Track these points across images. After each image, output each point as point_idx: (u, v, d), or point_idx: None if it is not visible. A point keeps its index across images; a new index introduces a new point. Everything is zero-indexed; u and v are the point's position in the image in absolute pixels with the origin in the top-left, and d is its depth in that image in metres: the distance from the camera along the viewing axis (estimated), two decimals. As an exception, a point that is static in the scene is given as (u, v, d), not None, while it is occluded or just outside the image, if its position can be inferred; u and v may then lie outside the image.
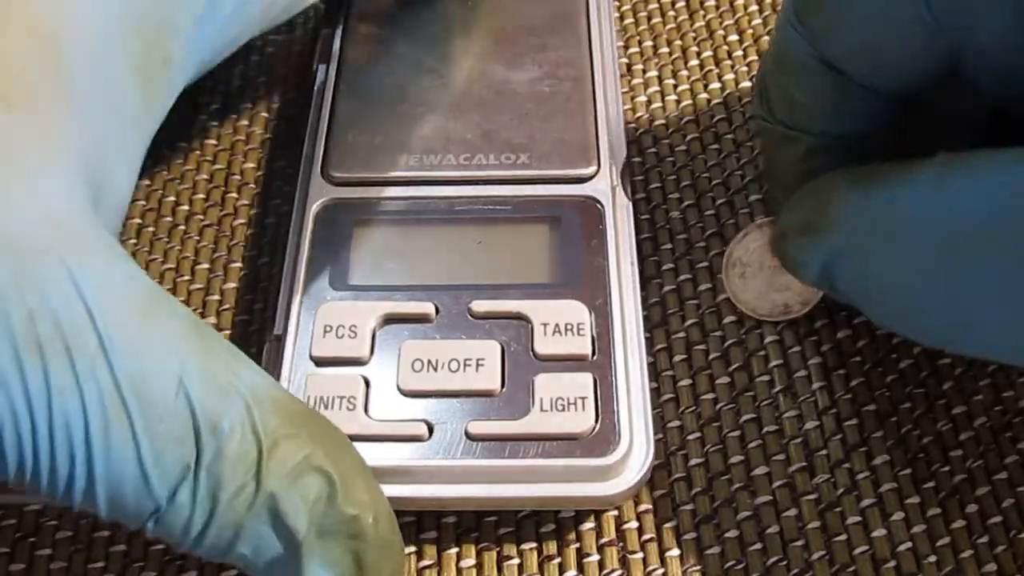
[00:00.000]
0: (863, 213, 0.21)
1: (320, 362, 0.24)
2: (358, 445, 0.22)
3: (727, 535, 0.24)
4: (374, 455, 0.22)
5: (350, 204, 0.27)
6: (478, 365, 0.24)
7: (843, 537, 0.24)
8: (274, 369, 0.24)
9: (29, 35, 0.19)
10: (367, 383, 0.24)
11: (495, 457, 0.23)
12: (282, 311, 0.25)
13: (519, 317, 0.25)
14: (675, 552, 0.24)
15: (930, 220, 0.20)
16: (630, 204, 0.27)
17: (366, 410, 0.24)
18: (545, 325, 0.25)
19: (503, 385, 0.24)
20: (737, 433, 0.26)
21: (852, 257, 0.22)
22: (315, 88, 0.30)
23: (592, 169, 0.27)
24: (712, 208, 0.29)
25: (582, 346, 0.24)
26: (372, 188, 0.27)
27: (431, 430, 0.23)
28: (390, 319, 0.25)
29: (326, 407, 0.23)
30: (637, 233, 0.27)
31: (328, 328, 0.25)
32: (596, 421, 0.23)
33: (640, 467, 0.23)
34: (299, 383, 0.24)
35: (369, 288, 0.25)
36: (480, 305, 0.25)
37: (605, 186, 0.27)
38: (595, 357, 0.24)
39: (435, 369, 0.24)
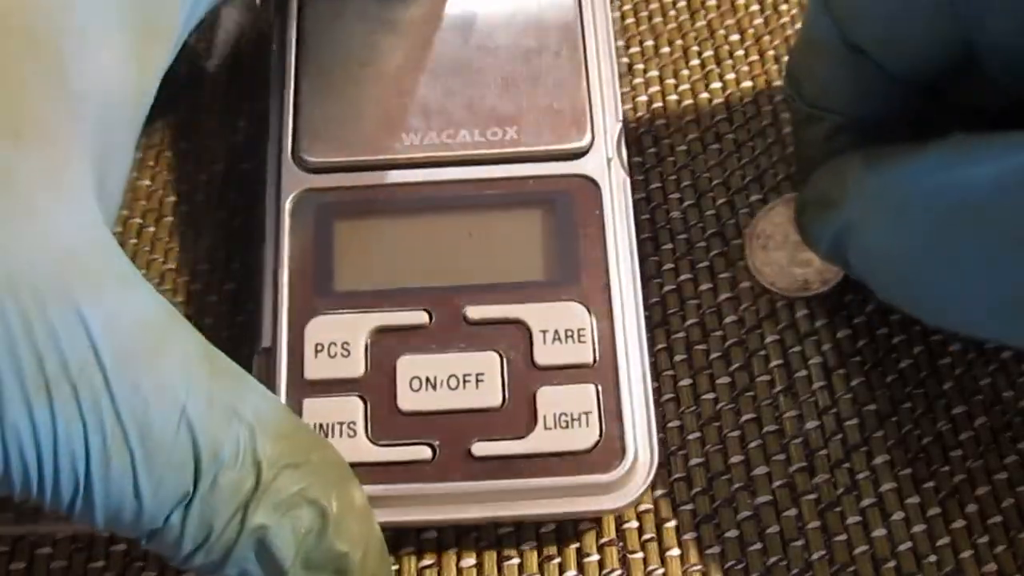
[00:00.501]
0: (872, 189, 0.22)
1: (315, 384, 0.23)
2: (361, 471, 0.21)
3: (727, 535, 0.24)
4: (377, 482, 0.22)
5: (327, 194, 0.25)
6: (478, 381, 0.23)
7: (843, 537, 0.24)
8: (267, 386, 0.22)
9: (33, 56, 0.19)
10: (366, 404, 0.23)
11: (499, 478, 0.23)
12: (268, 322, 0.24)
13: (517, 322, 0.24)
14: (675, 552, 0.24)
15: (932, 196, 0.21)
16: (628, 180, 0.26)
17: (367, 434, 0.23)
18: (544, 332, 0.24)
19: (504, 401, 0.23)
20: (737, 433, 0.26)
21: (860, 231, 0.23)
22: (272, 48, 0.27)
23: (586, 141, 0.26)
24: (712, 208, 0.29)
25: (583, 353, 0.24)
26: (350, 174, 0.25)
27: (434, 452, 0.23)
28: (383, 330, 0.24)
29: (327, 434, 0.23)
30: (637, 232, 0.26)
31: (320, 347, 0.24)
32: (600, 436, 0.23)
33: (645, 478, 0.23)
34: (296, 409, 0.23)
35: (358, 294, 0.24)
36: (476, 311, 0.24)
37: (600, 160, 0.26)
38: (597, 363, 0.24)
39: (434, 388, 0.23)
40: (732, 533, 0.24)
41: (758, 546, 0.24)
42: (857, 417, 0.26)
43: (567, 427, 0.23)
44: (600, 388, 0.23)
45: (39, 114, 0.19)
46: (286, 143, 0.26)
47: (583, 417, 0.23)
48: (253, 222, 0.30)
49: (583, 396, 0.23)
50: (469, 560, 0.24)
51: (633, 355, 0.24)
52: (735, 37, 0.33)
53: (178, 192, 0.30)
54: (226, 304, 0.28)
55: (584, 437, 0.23)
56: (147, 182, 0.30)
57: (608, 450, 0.23)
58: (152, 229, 0.29)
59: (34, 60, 0.19)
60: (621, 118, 0.27)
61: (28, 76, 0.19)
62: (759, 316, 0.27)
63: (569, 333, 0.24)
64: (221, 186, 0.30)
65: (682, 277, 0.28)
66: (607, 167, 0.26)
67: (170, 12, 0.22)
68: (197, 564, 0.19)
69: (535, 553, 0.24)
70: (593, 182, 0.25)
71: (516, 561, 0.24)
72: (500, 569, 0.24)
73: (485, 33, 0.27)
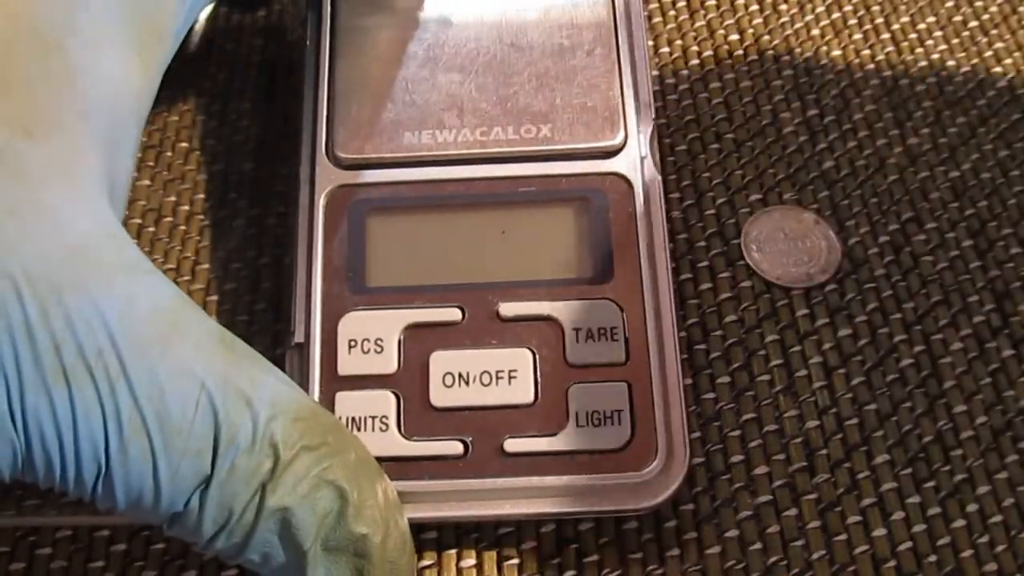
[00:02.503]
0: None
1: (349, 379, 0.24)
2: (392, 466, 0.22)
3: (727, 535, 0.24)
4: (410, 477, 0.22)
5: (361, 190, 0.25)
6: (510, 377, 0.23)
7: (843, 537, 0.24)
8: (299, 382, 0.23)
9: (40, 55, 0.19)
10: (398, 399, 0.23)
11: (531, 474, 0.23)
12: (301, 318, 0.24)
13: (549, 320, 0.24)
14: (675, 552, 0.24)
15: None
16: (660, 178, 0.26)
17: (400, 428, 0.23)
18: (577, 331, 0.24)
19: (537, 397, 0.23)
20: (737, 433, 0.26)
21: None
22: (306, 43, 0.28)
23: (619, 139, 0.26)
24: (712, 208, 0.29)
25: (615, 352, 0.24)
26: (384, 171, 0.26)
27: (466, 448, 0.23)
28: (416, 327, 0.24)
29: (359, 428, 0.23)
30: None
31: (353, 343, 0.24)
32: (632, 434, 0.23)
33: (677, 476, 0.23)
34: (328, 403, 0.23)
35: (391, 291, 0.24)
36: (508, 308, 0.24)
37: (634, 158, 0.26)
38: (629, 362, 0.24)
39: (467, 383, 0.23)
40: (732, 533, 0.24)
41: (758, 546, 0.24)
42: (857, 417, 0.26)
43: (599, 425, 0.23)
44: (632, 386, 0.23)
45: (48, 111, 0.19)
46: (320, 139, 0.26)
47: (615, 415, 0.23)
48: (253, 222, 0.30)
49: (615, 394, 0.23)
50: (469, 560, 0.24)
51: (667, 353, 0.24)
52: (735, 37, 0.33)
53: (178, 192, 0.30)
54: (228, 303, 0.28)
55: (616, 435, 0.23)
56: (147, 182, 0.30)
57: (640, 449, 0.23)
58: (152, 230, 0.29)
59: (41, 59, 0.19)
60: (654, 116, 0.26)
61: (35, 75, 0.19)
62: (759, 316, 0.27)
63: (602, 331, 0.24)
64: (221, 186, 0.30)
65: (682, 277, 0.28)
66: (640, 165, 0.26)
67: (170, 8, 0.22)
68: (219, 547, 0.20)
69: (535, 553, 0.24)
70: (626, 180, 0.25)
71: (516, 561, 0.24)
72: (500, 569, 0.24)
73: (519, 31, 0.27)
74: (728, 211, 0.29)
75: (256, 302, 0.28)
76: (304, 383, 0.23)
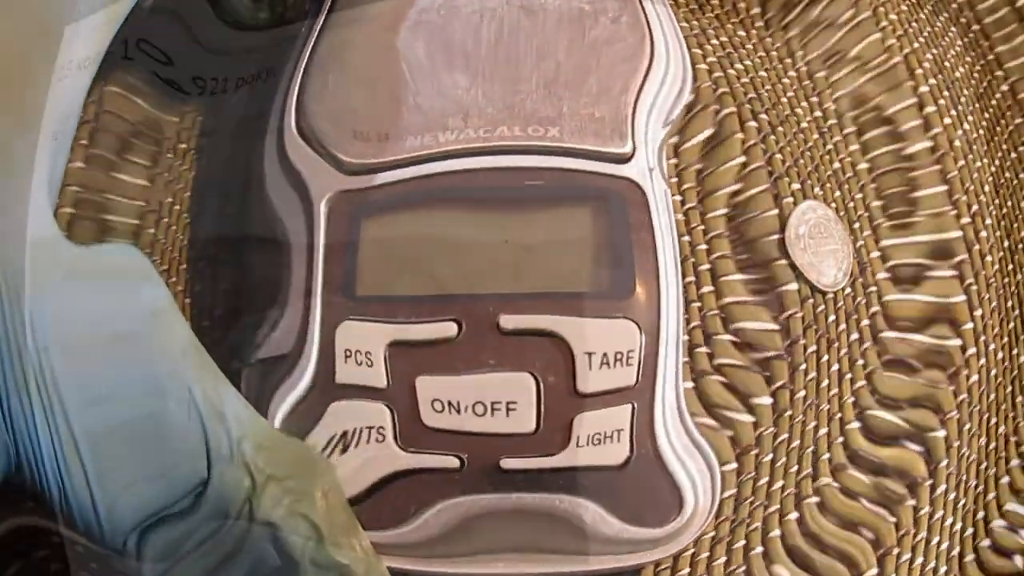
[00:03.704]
0: None
1: (345, 388, 0.23)
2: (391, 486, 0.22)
3: (735, 546, 0.24)
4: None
5: (358, 194, 0.24)
6: (508, 409, 0.22)
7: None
8: (294, 391, 0.22)
9: (44, 44, 0.19)
10: (392, 412, 0.22)
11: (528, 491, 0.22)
12: (295, 326, 0.23)
13: (555, 336, 0.22)
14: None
15: None
16: (668, 190, 0.24)
17: (396, 440, 0.22)
18: (590, 355, 0.22)
19: (538, 427, 0.22)
20: (755, 452, 0.26)
21: None
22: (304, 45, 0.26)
23: (627, 148, 0.24)
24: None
25: (628, 376, 0.22)
26: (387, 173, 0.24)
27: (462, 463, 0.22)
28: (399, 344, 0.23)
29: (356, 439, 0.22)
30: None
31: (348, 353, 0.23)
32: (631, 453, 0.22)
33: (699, 524, 0.22)
34: (322, 412, 0.22)
35: (382, 301, 0.23)
36: (510, 320, 0.22)
37: (643, 167, 0.24)
38: (638, 383, 0.22)
39: (458, 412, 0.22)
40: (739, 544, 0.24)
41: (759, 548, 0.24)
42: (859, 419, 0.26)
43: (599, 444, 0.22)
44: (636, 406, 0.22)
45: (37, 102, 0.19)
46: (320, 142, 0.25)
47: (615, 434, 0.22)
48: (253, 224, 0.29)
49: (618, 416, 0.22)
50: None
51: (670, 373, 0.22)
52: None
53: (176, 193, 0.30)
54: (221, 306, 0.28)
55: (615, 453, 0.22)
56: (145, 183, 0.30)
57: (641, 467, 0.22)
58: (152, 230, 0.29)
59: (44, 48, 0.19)
60: (668, 123, 0.25)
61: (37, 63, 0.19)
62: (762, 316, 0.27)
63: (619, 356, 0.22)
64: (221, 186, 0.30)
65: (685, 280, 0.28)
66: (649, 175, 0.24)
67: None
68: (215, 549, 0.20)
69: (536, 556, 0.24)
70: (638, 187, 0.23)
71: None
72: (501, 572, 0.24)
73: (529, 32, 0.25)
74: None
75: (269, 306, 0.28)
76: (291, 389, 0.23)
